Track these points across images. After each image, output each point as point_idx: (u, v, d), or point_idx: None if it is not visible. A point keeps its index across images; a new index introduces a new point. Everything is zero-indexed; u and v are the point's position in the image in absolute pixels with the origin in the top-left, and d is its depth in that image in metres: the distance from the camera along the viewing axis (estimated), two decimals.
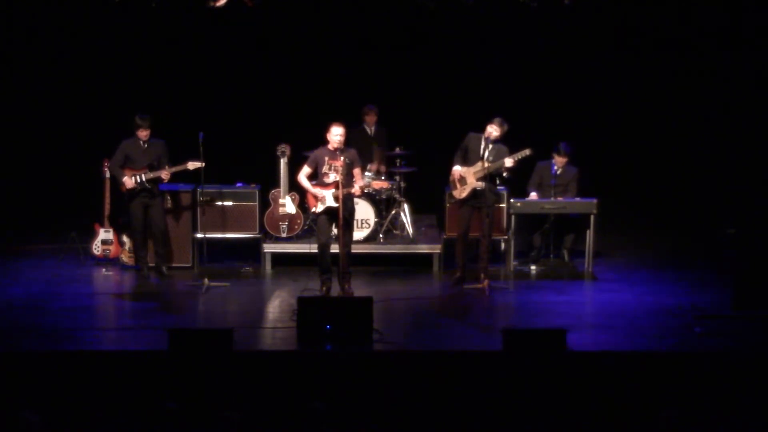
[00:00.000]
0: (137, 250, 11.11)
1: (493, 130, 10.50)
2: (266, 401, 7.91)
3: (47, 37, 13.17)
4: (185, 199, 11.46)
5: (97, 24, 12.96)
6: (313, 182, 10.26)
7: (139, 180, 10.80)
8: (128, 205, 10.95)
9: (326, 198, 10.07)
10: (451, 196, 10.95)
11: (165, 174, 10.80)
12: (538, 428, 7.49)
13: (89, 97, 13.38)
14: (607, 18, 13.03)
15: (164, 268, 11.10)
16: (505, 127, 10.52)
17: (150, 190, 10.89)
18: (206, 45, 13.23)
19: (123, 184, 10.81)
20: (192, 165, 10.89)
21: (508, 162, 10.41)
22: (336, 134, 10.04)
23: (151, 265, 11.14)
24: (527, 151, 10.47)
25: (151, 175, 10.81)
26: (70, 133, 13.38)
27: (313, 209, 10.28)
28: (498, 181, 10.76)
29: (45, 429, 6.68)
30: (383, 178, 11.97)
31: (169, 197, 11.35)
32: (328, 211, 10.12)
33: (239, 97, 13.42)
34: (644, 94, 13.55)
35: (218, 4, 11.89)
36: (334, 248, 10.27)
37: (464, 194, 10.64)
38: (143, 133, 10.82)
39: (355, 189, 10.17)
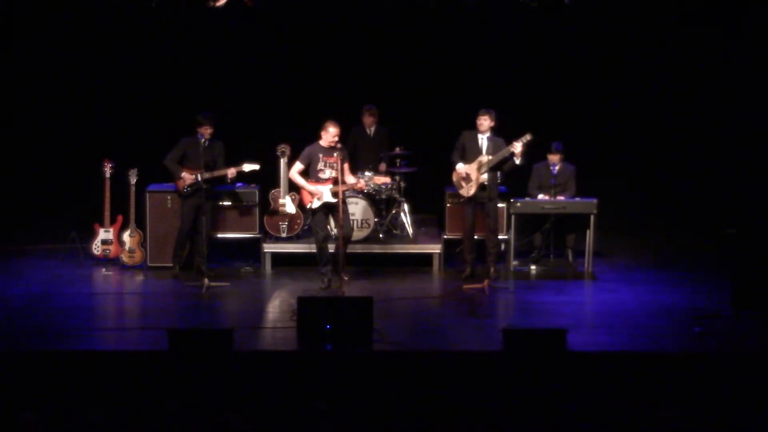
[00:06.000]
0: (178, 248, 11.10)
1: (484, 121, 10.65)
2: (266, 401, 7.90)
3: (47, 36, 13.14)
4: None
5: (97, 24, 12.94)
6: (305, 179, 10.41)
7: (198, 178, 10.75)
8: (181, 204, 10.94)
9: (323, 193, 10.21)
10: (458, 195, 10.94)
11: (231, 172, 10.78)
12: (538, 428, 7.48)
13: (89, 97, 13.36)
14: (607, 18, 13.01)
15: (205, 268, 10.81)
16: (493, 113, 10.63)
17: (206, 190, 10.81)
18: (206, 45, 13.21)
19: (182, 179, 10.75)
20: (248, 166, 10.89)
21: (517, 147, 10.45)
22: (334, 133, 10.27)
23: (163, 265, 11.20)
24: (528, 136, 10.53)
25: (207, 175, 10.74)
26: (70, 133, 13.36)
27: (309, 205, 10.44)
28: (505, 170, 10.78)
29: (45, 429, 6.67)
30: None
31: (169, 198, 11.34)
32: (326, 206, 10.29)
33: (239, 97, 13.39)
34: (644, 94, 13.52)
35: (218, 4, 11.88)
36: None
37: (472, 191, 10.68)
38: (208, 131, 10.76)
39: (361, 183, 10.39)
